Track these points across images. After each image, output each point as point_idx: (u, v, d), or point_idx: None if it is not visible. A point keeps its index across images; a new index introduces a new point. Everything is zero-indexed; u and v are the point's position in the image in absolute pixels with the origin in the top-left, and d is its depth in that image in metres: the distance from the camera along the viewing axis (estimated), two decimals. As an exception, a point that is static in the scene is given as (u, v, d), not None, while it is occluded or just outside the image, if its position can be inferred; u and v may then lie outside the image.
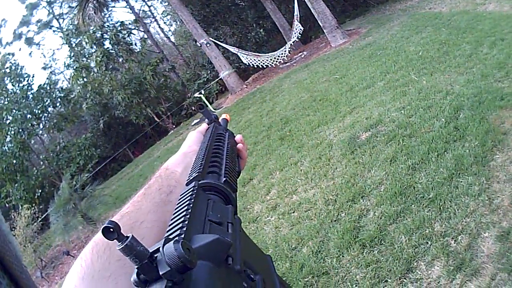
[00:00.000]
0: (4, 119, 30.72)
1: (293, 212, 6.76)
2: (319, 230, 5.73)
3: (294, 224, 6.36)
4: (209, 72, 28.66)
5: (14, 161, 29.74)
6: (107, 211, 17.13)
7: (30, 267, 17.73)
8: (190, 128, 23.23)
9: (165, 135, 29.97)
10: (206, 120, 1.34)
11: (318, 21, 20.40)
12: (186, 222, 0.63)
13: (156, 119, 31.16)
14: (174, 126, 30.51)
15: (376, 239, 4.81)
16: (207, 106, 22.78)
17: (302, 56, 22.67)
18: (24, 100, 32.23)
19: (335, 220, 5.75)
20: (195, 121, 23.61)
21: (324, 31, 20.66)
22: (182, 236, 0.58)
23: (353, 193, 6.09)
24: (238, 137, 1.34)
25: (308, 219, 6.22)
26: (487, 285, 3.49)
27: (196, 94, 25.04)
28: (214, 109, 22.23)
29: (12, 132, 30.12)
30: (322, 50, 21.18)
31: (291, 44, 21.54)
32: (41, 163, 33.41)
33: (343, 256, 4.90)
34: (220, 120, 1.40)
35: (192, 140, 1.25)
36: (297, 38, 21.45)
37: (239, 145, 1.29)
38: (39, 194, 28.83)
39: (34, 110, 32.59)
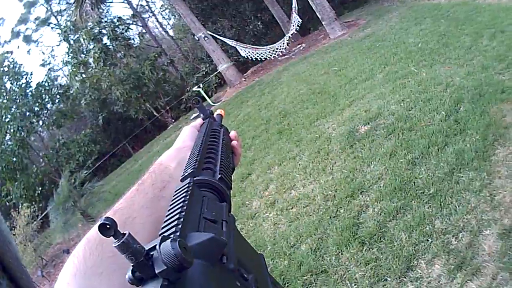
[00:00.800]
0: (3, 117, 30.74)
1: (292, 208, 6.72)
2: (318, 226, 5.69)
3: (292, 220, 6.32)
4: (207, 65, 28.73)
5: (14, 159, 29.89)
6: (106, 207, 17.03)
7: (31, 266, 17.72)
8: (189, 122, 23.11)
9: (164, 130, 29.97)
10: (201, 115, 1.33)
11: (317, 13, 20.38)
12: (182, 220, 0.62)
13: (155, 113, 31.11)
14: (173, 121, 30.50)
15: (375, 236, 4.76)
16: (205, 99, 23.00)
17: (301, 48, 22.66)
18: (23, 98, 32.30)
19: (334, 217, 5.71)
20: (194, 115, 23.52)
21: (323, 23, 20.68)
22: (178, 233, 0.58)
23: (352, 188, 6.04)
24: (232, 133, 1.31)
25: (306, 216, 6.18)
26: (488, 284, 3.43)
27: (195, 88, 25.06)
28: (213, 103, 22.41)
29: (12, 130, 30.22)
30: (320, 42, 21.20)
31: (289, 37, 21.49)
32: (41, 160, 33.55)
33: (342, 254, 4.86)
34: (215, 115, 1.37)
35: (186, 135, 1.24)
36: (296, 30, 21.39)
37: (234, 142, 1.28)
38: (39, 192, 29.01)
39: (33, 107, 32.75)
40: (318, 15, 20.44)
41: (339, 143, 7.84)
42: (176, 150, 1.17)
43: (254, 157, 10.12)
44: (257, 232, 6.64)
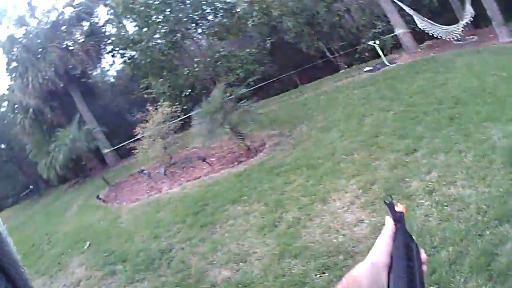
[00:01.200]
0: (154, 17, 30.35)
1: (446, 206, 6.59)
2: (464, 238, 5.58)
3: (443, 220, 6.23)
4: (384, 24, 28.06)
5: (162, 58, 29.96)
6: (260, 130, 17.17)
7: (154, 161, 18.80)
8: (362, 73, 22.76)
9: (336, 72, 28.84)
10: (391, 216, 1.23)
11: (487, 11, 20.01)
12: None
13: (328, 54, 30.73)
14: (345, 66, 29.63)
15: (505, 274, 4.65)
16: (380, 57, 23.07)
17: (473, 39, 22.21)
18: (179, 4, 31.17)
19: (480, 235, 5.52)
20: (368, 68, 23.26)
21: (492, 23, 20.29)
22: None
23: (502, 212, 5.77)
24: (424, 257, 1.20)
25: (457, 220, 6.06)
26: None
27: (370, 42, 24.73)
28: (389, 63, 22.34)
29: (162, 31, 30.18)
30: (491, 41, 20.69)
31: (464, 24, 21.10)
32: (195, 65, 32.66)
33: (470, 280, 4.81)
34: (397, 210, 1.25)
35: (383, 247, 1.17)
36: (470, 20, 21.00)
37: (424, 267, 1.18)
38: (186, 94, 29.35)
39: (191, 15, 32.03)
40: (488, 14, 20.04)
41: (502, 156, 7.43)
42: (371, 266, 1.12)
43: (423, 134, 10.04)
44: (407, 216, 6.62)
